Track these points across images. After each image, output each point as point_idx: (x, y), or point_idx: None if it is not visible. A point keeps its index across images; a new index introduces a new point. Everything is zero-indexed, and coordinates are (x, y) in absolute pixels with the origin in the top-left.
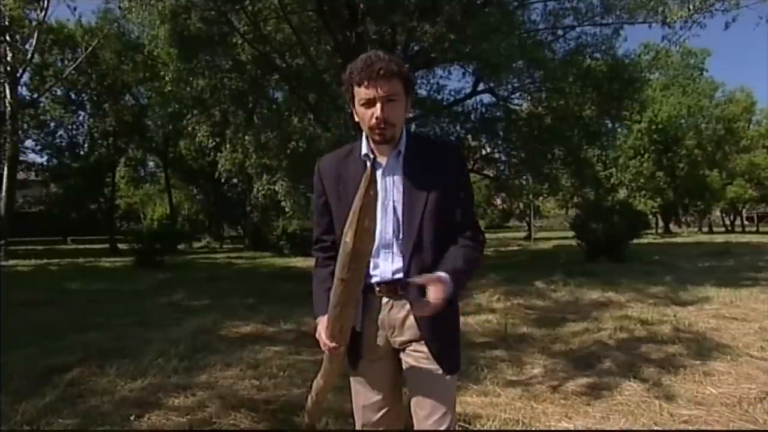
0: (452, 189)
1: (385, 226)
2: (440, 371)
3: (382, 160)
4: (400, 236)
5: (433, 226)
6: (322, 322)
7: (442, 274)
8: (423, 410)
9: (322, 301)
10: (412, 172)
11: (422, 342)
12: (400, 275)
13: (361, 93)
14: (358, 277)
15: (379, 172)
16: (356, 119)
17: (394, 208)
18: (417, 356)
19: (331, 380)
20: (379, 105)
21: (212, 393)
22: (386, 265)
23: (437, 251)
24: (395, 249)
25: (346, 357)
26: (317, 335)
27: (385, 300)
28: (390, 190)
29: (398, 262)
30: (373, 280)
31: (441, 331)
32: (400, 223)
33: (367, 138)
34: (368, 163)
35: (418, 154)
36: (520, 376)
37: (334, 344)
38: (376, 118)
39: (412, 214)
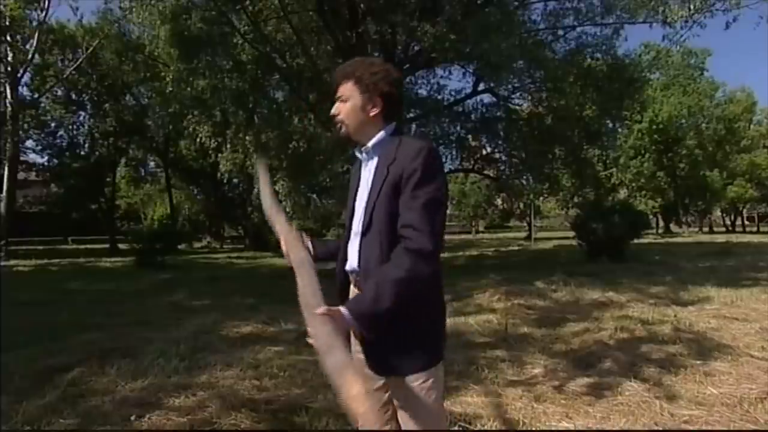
0: (403, 185)
1: (360, 214)
2: (393, 384)
3: (363, 154)
4: (360, 225)
5: (380, 218)
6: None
7: (343, 311)
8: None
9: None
10: (378, 166)
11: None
12: (356, 262)
13: None
14: None
15: (364, 165)
16: None
17: (364, 199)
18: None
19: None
20: (335, 104)
21: (213, 393)
22: (353, 252)
23: (382, 243)
24: (359, 237)
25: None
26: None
27: (355, 291)
28: (365, 182)
29: (357, 251)
30: (348, 267)
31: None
32: (362, 212)
33: None
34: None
35: (386, 149)
36: (521, 376)
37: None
38: (331, 117)
39: (367, 206)
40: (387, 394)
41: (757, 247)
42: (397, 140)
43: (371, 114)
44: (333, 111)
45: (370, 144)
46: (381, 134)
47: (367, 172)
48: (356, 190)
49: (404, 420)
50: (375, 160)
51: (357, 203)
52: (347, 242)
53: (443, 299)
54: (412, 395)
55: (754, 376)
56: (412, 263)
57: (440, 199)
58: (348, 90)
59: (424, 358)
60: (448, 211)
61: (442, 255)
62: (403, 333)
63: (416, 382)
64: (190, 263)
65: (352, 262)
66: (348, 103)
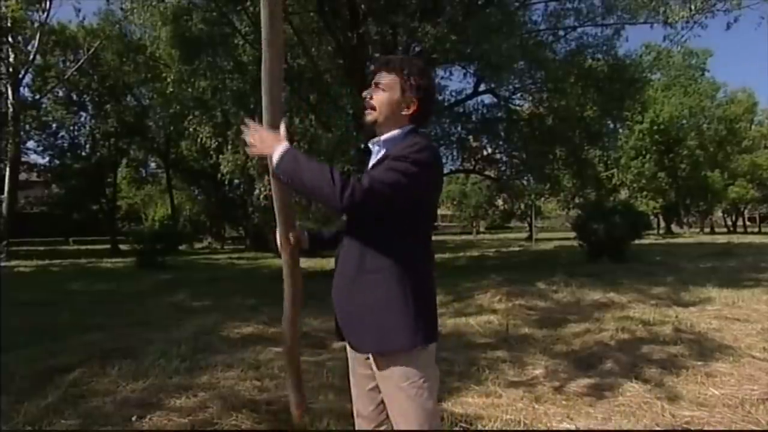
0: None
1: None
2: (379, 370)
3: (373, 148)
4: None
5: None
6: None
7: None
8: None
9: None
10: (380, 159)
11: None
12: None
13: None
14: None
15: (373, 157)
16: None
17: None
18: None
19: (297, 305)
20: (370, 89)
21: (214, 394)
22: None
23: (362, 238)
24: None
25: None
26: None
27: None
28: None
29: None
30: None
31: (345, 304)
32: None
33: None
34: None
35: (390, 145)
36: (522, 377)
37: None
38: (363, 98)
39: None
40: (381, 395)
41: (759, 247)
42: (399, 137)
43: (403, 113)
44: (366, 94)
45: (382, 137)
46: (396, 131)
47: (374, 156)
48: None
49: (393, 417)
50: (382, 153)
51: None
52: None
53: (428, 282)
54: (394, 383)
55: (756, 377)
56: (343, 182)
57: (405, 173)
58: (390, 81)
59: (400, 337)
60: (449, 212)
61: (443, 255)
62: (375, 308)
63: (399, 370)
64: (191, 264)
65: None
66: (386, 94)
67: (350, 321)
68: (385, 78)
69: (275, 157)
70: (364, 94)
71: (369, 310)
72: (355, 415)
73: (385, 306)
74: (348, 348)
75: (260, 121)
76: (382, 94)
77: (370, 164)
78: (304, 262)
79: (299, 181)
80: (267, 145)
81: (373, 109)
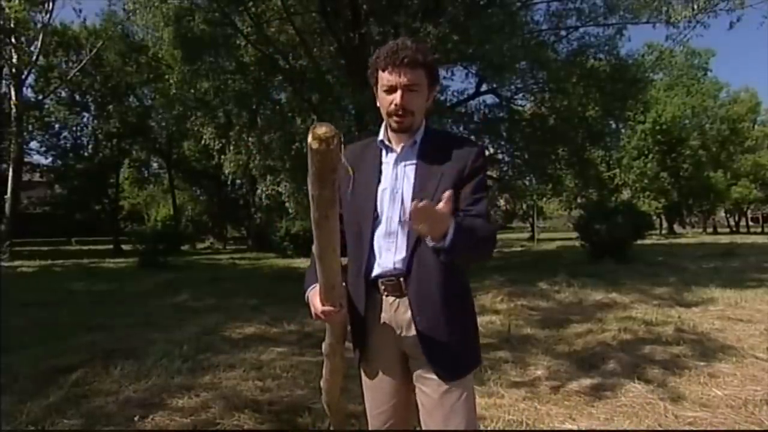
0: (464, 183)
1: (392, 214)
2: (443, 384)
3: (398, 147)
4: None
5: None
6: (314, 293)
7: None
8: (431, 425)
9: (311, 275)
10: (425, 162)
11: (422, 349)
12: (401, 266)
13: (384, 79)
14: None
15: (392, 160)
16: (377, 104)
17: (402, 197)
18: (420, 367)
19: (336, 377)
20: (399, 92)
21: (216, 394)
22: (389, 256)
23: None
24: (399, 238)
25: (356, 352)
26: (311, 306)
27: (390, 299)
28: (400, 179)
29: (401, 252)
30: (375, 272)
31: (440, 333)
32: (407, 211)
33: (385, 126)
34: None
35: (435, 146)
36: (524, 377)
37: (328, 307)
38: (395, 105)
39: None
40: (400, 409)
41: (762, 248)
42: (439, 133)
43: (427, 107)
44: (402, 100)
45: (417, 137)
46: (422, 129)
47: (400, 168)
48: (376, 188)
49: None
50: (414, 156)
51: (385, 203)
52: (369, 244)
53: None
54: (465, 398)
55: (759, 378)
56: (491, 235)
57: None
58: (420, 79)
59: (478, 356)
60: None
61: None
62: (467, 329)
63: (465, 385)
64: (193, 264)
65: (386, 263)
66: (418, 94)
67: (448, 347)
68: (416, 76)
69: (451, 234)
70: (396, 100)
71: (466, 332)
72: (370, 428)
73: (474, 325)
74: (376, 365)
75: (263, 122)
76: (417, 95)
77: (396, 175)
78: (306, 262)
79: (473, 249)
80: (441, 224)
81: (412, 114)
